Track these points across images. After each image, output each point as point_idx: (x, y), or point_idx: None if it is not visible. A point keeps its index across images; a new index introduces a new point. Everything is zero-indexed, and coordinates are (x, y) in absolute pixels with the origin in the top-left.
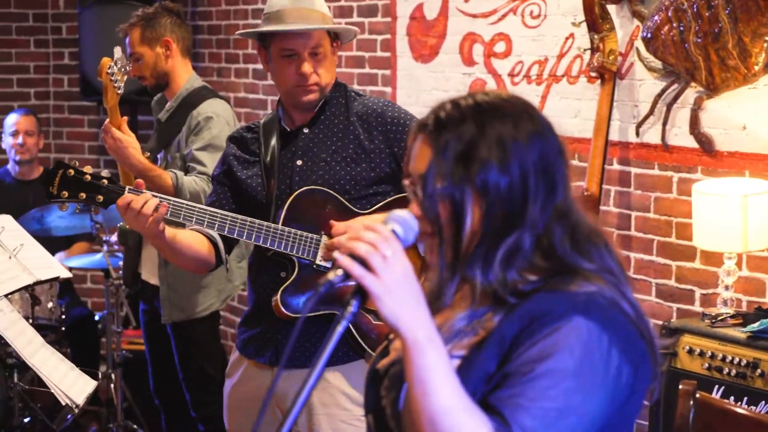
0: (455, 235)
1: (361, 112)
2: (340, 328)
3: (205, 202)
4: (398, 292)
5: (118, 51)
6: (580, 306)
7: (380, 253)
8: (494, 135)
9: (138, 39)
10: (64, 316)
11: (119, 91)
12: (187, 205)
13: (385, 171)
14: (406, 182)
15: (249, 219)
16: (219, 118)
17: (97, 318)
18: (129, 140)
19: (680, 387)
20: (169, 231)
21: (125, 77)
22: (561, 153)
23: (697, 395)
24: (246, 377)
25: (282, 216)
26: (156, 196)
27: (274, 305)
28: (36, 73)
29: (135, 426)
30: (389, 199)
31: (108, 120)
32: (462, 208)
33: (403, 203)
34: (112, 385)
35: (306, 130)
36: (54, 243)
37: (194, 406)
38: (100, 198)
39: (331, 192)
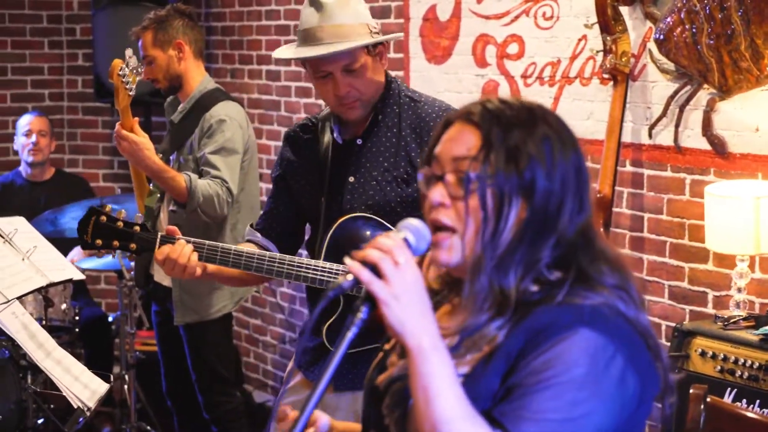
0: (493, 230)
1: (414, 123)
2: (350, 335)
3: (263, 208)
4: (406, 299)
5: (129, 53)
6: (585, 317)
7: (392, 259)
8: (542, 137)
9: (150, 42)
10: (77, 318)
11: (131, 93)
12: (222, 248)
13: None
14: (427, 169)
15: (288, 258)
16: (232, 121)
17: (110, 319)
18: (143, 141)
19: (691, 391)
20: (213, 267)
21: (137, 78)
22: (588, 175)
23: (708, 399)
24: (298, 387)
25: (324, 248)
26: (190, 242)
27: (310, 326)
28: (50, 74)
29: (148, 427)
30: None
31: (119, 123)
32: (509, 201)
33: None
34: (125, 386)
35: (359, 142)
36: (68, 244)
37: (206, 408)
38: (134, 246)
39: (376, 218)
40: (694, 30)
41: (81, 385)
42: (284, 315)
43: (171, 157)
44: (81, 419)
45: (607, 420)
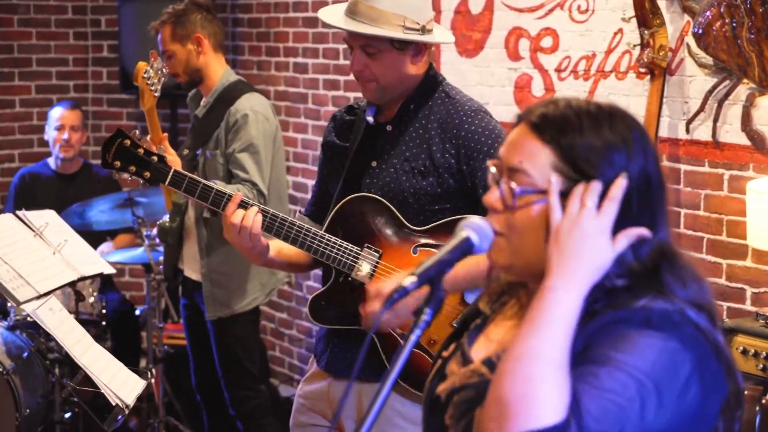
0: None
1: (443, 120)
2: (413, 337)
3: (311, 196)
4: (577, 239)
5: (153, 54)
6: (654, 319)
7: (591, 204)
8: (604, 146)
9: (169, 37)
10: (104, 311)
11: (156, 94)
12: (281, 218)
13: (452, 187)
14: (493, 163)
15: (289, 220)
16: (257, 116)
17: (137, 312)
18: (173, 160)
19: (746, 392)
20: (274, 247)
21: (162, 80)
22: (664, 188)
23: (764, 401)
24: (312, 376)
25: (328, 220)
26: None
27: (307, 311)
28: (75, 65)
29: (176, 422)
30: (444, 220)
31: (150, 137)
32: None
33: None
34: (152, 380)
35: (389, 128)
36: (95, 238)
37: (233, 404)
38: (147, 174)
39: (386, 203)
40: (734, 24)
41: (119, 382)
42: None
43: (197, 153)
44: (120, 417)
45: (660, 422)
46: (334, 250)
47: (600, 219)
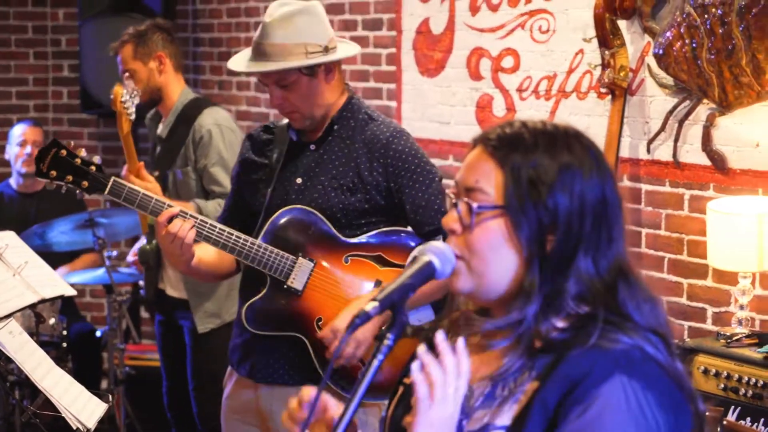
0: (505, 264)
1: (368, 139)
2: (376, 363)
3: (225, 203)
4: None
5: (127, 78)
6: (621, 362)
7: (447, 387)
8: (561, 166)
9: (130, 55)
10: (65, 333)
11: (131, 118)
12: (211, 224)
13: (379, 204)
14: (452, 192)
15: (227, 230)
16: (222, 129)
17: (99, 334)
18: (151, 186)
19: (707, 413)
20: (195, 256)
21: (136, 102)
22: (619, 206)
23: (725, 422)
24: (236, 389)
25: (264, 230)
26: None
27: (239, 317)
28: (35, 85)
29: None
30: (377, 231)
31: (126, 167)
32: (521, 234)
33: (391, 235)
34: (113, 402)
35: (313, 147)
36: (56, 259)
37: (201, 419)
38: (85, 184)
39: (318, 215)
40: (694, 45)
41: (80, 406)
42: None
43: (167, 173)
44: None
45: None
46: (271, 259)
47: (445, 402)
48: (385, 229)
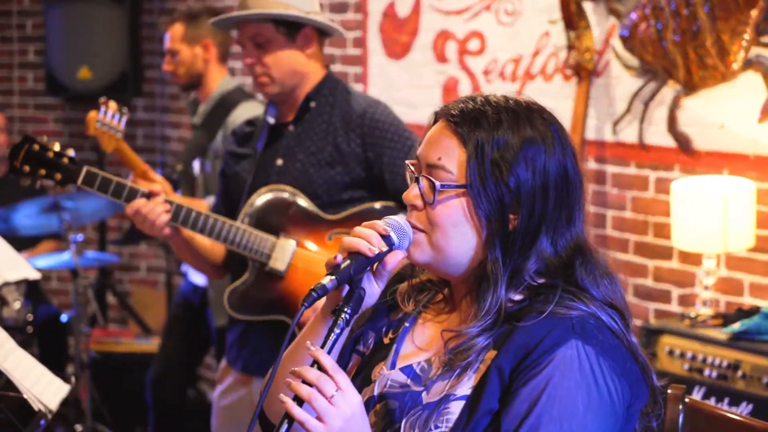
0: (464, 239)
1: (345, 112)
2: (333, 336)
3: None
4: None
5: (103, 99)
6: (576, 329)
7: (325, 395)
8: (523, 142)
9: (179, 36)
10: (31, 317)
11: (118, 135)
12: (188, 209)
13: (360, 176)
14: (411, 162)
15: (205, 214)
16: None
17: (66, 319)
18: (162, 189)
19: (669, 392)
20: (186, 233)
21: (124, 119)
22: (580, 183)
23: (687, 400)
24: (230, 386)
25: (242, 212)
26: (170, 203)
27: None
28: (0, 69)
29: (104, 427)
30: (359, 207)
31: (134, 174)
32: (481, 211)
33: (372, 212)
34: (79, 386)
35: (291, 128)
36: (20, 243)
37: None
38: (59, 176)
39: (298, 193)
40: (659, 26)
41: (42, 387)
42: None
43: (195, 163)
44: (42, 422)
45: None
46: (250, 240)
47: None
48: (367, 205)
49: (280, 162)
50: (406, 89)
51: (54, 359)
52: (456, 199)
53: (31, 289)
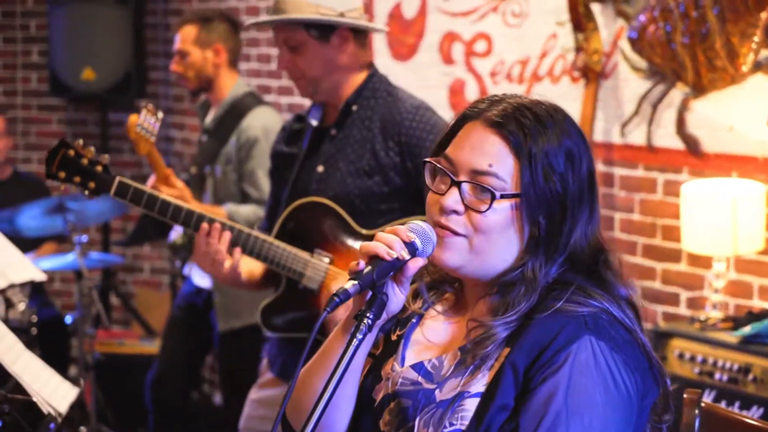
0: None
1: (384, 118)
2: (355, 342)
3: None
4: None
5: (150, 108)
6: (588, 325)
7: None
8: (567, 150)
9: (192, 38)
10: (35, 319)
11: (152, 139)
12: (240, 229)
13: (398, 185)
14: (439, 161)
15: (238, 227)
16: (270, 135)
17: (70, 320)
18: (178, 193)
19: (684, 396)
20: (246, 271)
21: (158, 125)
22: (596, 181)
23: (703, 404)
24: (266, 383)
25: (276, 227)
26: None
27: (259, 319)
28: (4, 70)
29: (108, 430)
30: (392, 223)
31: (155, 177)
32: (535, 217)
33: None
34: (84, 388)
35: (333, 132)
36: (25, 244)
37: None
38: (92, 185)
39: (334, 207)
40: (668, 28)
41: (51, 390)
42: None
43: (206, 169)
44: (52, 425)
45: (625, 428)
46: (284, 257)
47: None
48: (403, 220)
49: (320, 169)
50: (412, 91)
51: (55, 362)
52: (507, 206)
53: (33, 291)
